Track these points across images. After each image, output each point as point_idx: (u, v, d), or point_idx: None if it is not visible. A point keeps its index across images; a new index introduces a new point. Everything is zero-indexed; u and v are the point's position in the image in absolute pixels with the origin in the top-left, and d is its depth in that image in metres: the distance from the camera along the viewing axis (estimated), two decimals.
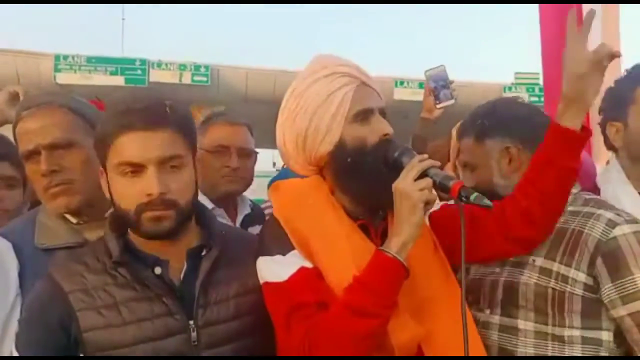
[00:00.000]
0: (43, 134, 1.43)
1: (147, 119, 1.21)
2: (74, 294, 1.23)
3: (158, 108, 1.23)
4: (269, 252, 1.31)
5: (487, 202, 1.17)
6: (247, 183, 2.15)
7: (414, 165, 1.23)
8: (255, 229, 2.08)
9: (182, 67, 12.62)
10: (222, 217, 2.01)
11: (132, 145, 1.20)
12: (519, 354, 1.43)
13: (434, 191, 1.23)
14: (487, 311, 1.52)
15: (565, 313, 1.40)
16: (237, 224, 2.13)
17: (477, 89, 12.53)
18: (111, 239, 1.28)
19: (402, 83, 13.53)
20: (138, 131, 1.21)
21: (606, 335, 1.39)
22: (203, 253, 1.32)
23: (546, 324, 1.41)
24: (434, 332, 1.27)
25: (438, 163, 1.25)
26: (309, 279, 1.26)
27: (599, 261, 1.36)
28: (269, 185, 1.50)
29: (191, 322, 1.25)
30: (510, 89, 13.90)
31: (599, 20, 2.48)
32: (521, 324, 1.45)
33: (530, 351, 1.42)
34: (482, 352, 1.36)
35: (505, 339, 1.47)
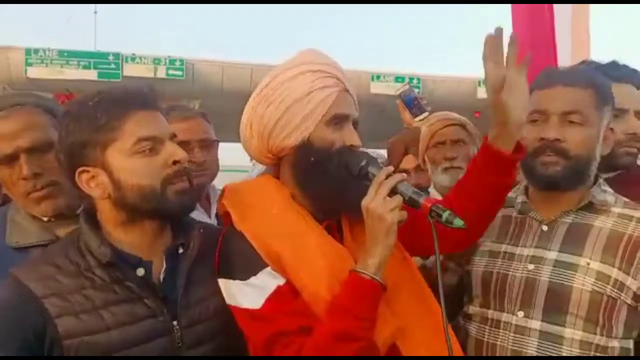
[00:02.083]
0: (22, 137, 1.38)
1: (147, 101, 1.25)
2: (49, 299, 1.16)
3: (148, 91, 1.27)
4: (239, 276, 1.25)
5: (459, 222, 1.14)
6: (214, 173, 2.13)
7: (383, 182, 1.20)
8: None
9: (157, 60, 12.46)
10: (197, 209, 2.01)
11: (146, 122, 1.22)
12: None
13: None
14: (520, 314, 1.38)
15: (613, 322, 1.34)
16: (212, 215, 2.13)
17: (451, 83, 12.66)
18: (94, 239, 1.22)
19: (378, 77, 13.58)
20: (145, 110, 1.24)
21: (631, 345, 1.38)
22: (180, 251, 1.30)
23: (594, 333, 1.33)
24: (407, 329, 1.26)
25: (405, 176, 1.23)
26: (286, 301, 1.23)
27: None
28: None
29: (175, 322, 1.23)
30: (484, 82, 14.02)
31: (568, 21, 2.55)
32: (568, 332, 1.33)
33: None
34: (459, 351, 1.33)
35: (546, 347, 1.34)
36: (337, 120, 1.30)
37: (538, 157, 1.40)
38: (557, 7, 2.56)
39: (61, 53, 12.05)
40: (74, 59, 12.10)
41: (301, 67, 1.32)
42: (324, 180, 1.28)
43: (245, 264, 1.25)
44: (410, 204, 1.19)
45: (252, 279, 1.24)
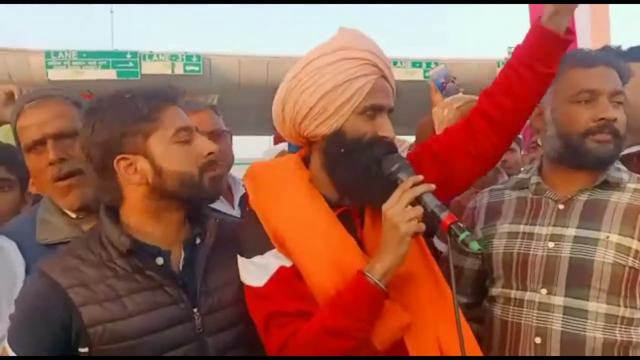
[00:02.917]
0: (49, 124, 1.45)
1: (173, 97, 1.33)
2: (74, 289, 1.21)
3: (172, 89, 1.36)
4: (247, 254, 1.29)
5: (474, 245, 1.13)
6: (229, 163, 2.15)
7: (407, 190, 1.18)
8: None
9: (174, 57, 12.53)
10: (221, 201, 2.02)
11: (180, 115, 1.31)
12: (588, 339, 1.33)
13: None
14: (543, 291, 1.39)
15: (637, 293, 1.36)
16: (235, 205, 2.14)
17: (471, 65, 12.48)
18: (113, 230, 1.27)
19: (395, 63, 13.47)
20: (175, 105, 1.32)
21: None
22: (197, 242, 1.34)
23: (618, 305, 1.34)
24: (418, 322, 1.25)
25: (432, 187, 1.20)
26: (288, 282, 1.25)
27: None
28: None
29: (195, 309, 1.27)
30: (504, 63, 13.83)
31: (588, 22, 2.50)
32: (592, 306, 1.34)
33: (599, 335, 1.33)
34: (478, 351, 1.32)
35: (571, 322, 1.35)
36: (371, 111, 1.28)
37: (592, 135, 1.39)
38: (577, 8, 2.52)
39: (80, 54, 12.18)
40: (93, 59, 12.23)
41: (338, 54, 1.27)
42: (352, 170, 1.27)
43: (255, 243, 1.29)
44: (431, 217, 1.18)
45: (257, 258, 1.28)
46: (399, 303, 1.24)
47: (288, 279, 1.25)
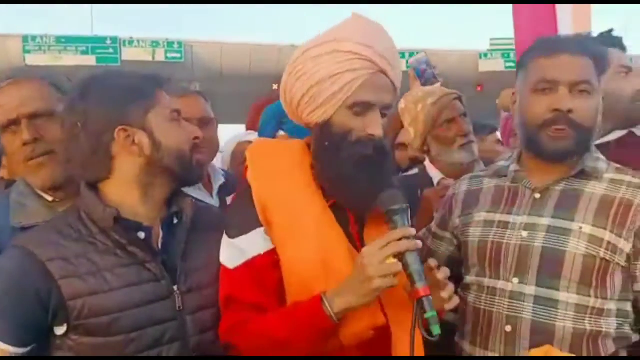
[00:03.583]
0: (24, 104, 1.44)
1: (162, 82, 1.37)
2: (53, 262, 1.21)
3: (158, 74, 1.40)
4: (232, 232, 1.30)
5: (436, 329, 1.10)
6: (213, 151, 2.15)
7: (392, 243, 1.13)
8: None
9: (155, 43, 12.40)
10: (200, 189, 2.01)
11: (169, 99, 1.36)
12: (557, 329, 1.33)
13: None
14: (515, 280, 1.39)
15: (608, 284, 1.35)
16: (214, 195, 2.13)
17: (453, 57, 12.56)
18: (97, 204, 1.27)
19: None
20: (163, 90, 1.36)
21: (629, 307, 1.39)
22: (175, 221, 1.36)
23: (589, 296, 1.34)
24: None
25: (419, 245, 1.15)
26: (257, 272, 1.25)
27: None
28: None
29: (175, 287, 1.29)
30: (486, 55, 13.94)
31: (570, 21, 2.52)
32: (563, 296, 1.34)
33: (569, 325, 1.33)
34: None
35: (542, 312, 1.35)
36: (360, 108, 1.25)
37: (547, 127, 1.38)
38: (559, 8, 2.55)
39: (59, 39, 12.01)
40: (72, 44, 12.07)
41: (332, 45, 1.26)
42: (334, 166, 1.26)
43: (242, 221, 1.29)
44: (408, 278, 1.14)
45: (240, 238, 1.28)
46: (379, 303, 1.23)
47: (258, 270, 1.26)
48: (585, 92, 1.37)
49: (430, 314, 1.10)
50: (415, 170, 2.31)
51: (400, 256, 1.13)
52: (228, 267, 1.29)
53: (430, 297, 1.12)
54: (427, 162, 2.22)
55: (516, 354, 1.36)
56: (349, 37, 1.26)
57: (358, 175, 1.24)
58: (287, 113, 1.40)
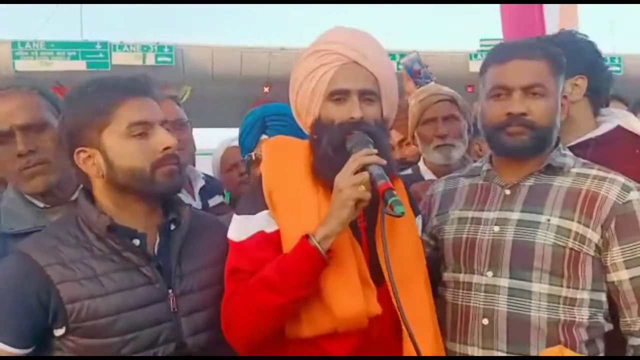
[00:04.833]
0: (17, 115, 1.45)
1: (139, 89, 1.34)
2: (52, 267, 1.25)
3: (142, 79, 1.36)
4: (240, 211, 1.40)
5: (399, 209, 1.20)
6: (190, 153, 2.18)
7: (356, 158, 1.25)
8: (216, 200, 2.16)
9: (145, 48, 12.33)
10: (182, 192, 2.01)
11: (138, 108, 1.32)
12: (532, 319, 1.38)
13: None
14: (489, 274, 1.44)
15: (580, 274, 1.40)
16: (196, 196, 2.15)
17: (444, 57, 12.59)
18: (92, 210, 1.31)
19: None
20: (137, 97, 1.33)
21: (604, 297, 1.43)
22: (172, 227, 1.38)
23: (560, 286, 1.39)
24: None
25: (383, 162, 1.26)
26: (260, 247, 1.33)
27: (613, 224, 1.39)
28: None
29: (170, 290, 1.32)
30: (476, 56, 13.98)
31: (556, 21, 2.55)
32: (535, 287, 1.40)
33: (544, 315, 1.38)
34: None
35: (516, 303, 1.40)
36: (337, 96, 1.35)
37: (504, 129, 1.45)
38: (547, 8, 2.58)
39: (48, 44, 11.92)
40: (62, 49, 11.97)
41: (310, 49, 1.40)
42: (320, 152, 1.35)
43: (251, 204, 1.39)
44: (371, 183, 1.24)
45: (248, 217, 1.37)
46: (376, 294, 1.30)
47: (260, 244, 1.33)
48: (538, 94, 1.44)
49: (392, 199, 1.21)
50: (409, 171, 2.36)
51: (365, 169, 1.24)
52: (234, 240, 1.37)
53: (393, 190, 1.23)
54: (420, 163, 2.31)
55: (494, 347, 1.41)
56: (323, 39, 1.40)
57: (338, 156, 1.31)
58: (300, 125, 1.48)
